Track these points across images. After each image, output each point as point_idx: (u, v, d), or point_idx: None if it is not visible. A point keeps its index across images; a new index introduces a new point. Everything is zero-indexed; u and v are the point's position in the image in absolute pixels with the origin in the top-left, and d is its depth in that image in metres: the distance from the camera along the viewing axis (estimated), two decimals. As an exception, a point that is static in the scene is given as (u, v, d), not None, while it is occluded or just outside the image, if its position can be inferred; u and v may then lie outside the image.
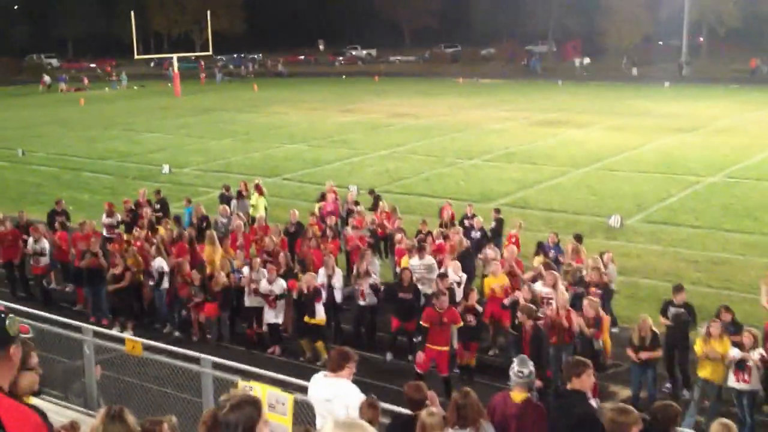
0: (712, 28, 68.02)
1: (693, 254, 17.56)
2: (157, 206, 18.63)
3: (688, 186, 24.05)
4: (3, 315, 3.51)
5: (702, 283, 15.53)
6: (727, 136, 32.87)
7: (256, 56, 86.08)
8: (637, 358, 10.79)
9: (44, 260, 15.90)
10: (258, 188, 19.48)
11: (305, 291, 12.68)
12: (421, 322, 11.86)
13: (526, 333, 10.87)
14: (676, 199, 22.66)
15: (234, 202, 19.05)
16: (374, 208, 18.22)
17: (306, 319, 12.80)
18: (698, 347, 10.43)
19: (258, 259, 13.82)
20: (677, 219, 20.50)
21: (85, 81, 66.60)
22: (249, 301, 13.47)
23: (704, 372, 10.34)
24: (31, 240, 15.93)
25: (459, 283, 13.14)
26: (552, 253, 14.47)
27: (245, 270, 13.63)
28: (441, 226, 16.22)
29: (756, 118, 38.62)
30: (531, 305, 11.22)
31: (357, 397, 6.45)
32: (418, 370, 11.40)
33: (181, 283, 13.87)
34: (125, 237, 16.03)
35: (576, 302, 12.25)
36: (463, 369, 12.17)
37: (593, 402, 10.61)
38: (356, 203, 18.20)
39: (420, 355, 11.63)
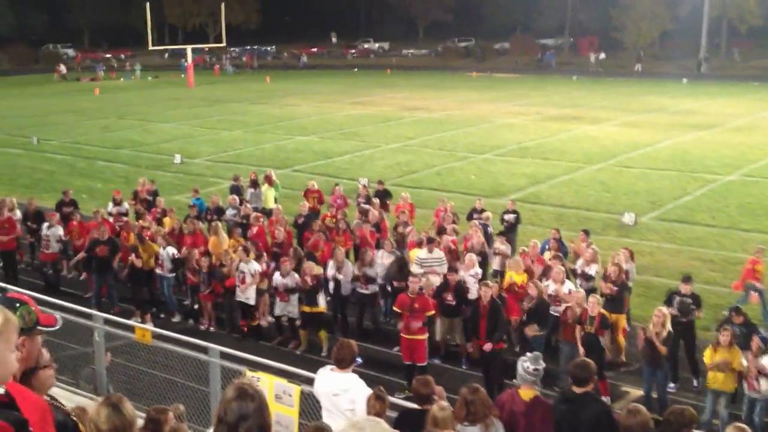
0: (733, 25, 67.23)
1: (708, 253, 17.34)
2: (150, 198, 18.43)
3: (705, 184, 23.77)
4: (18, 305, 3.38)
5: (717, 283, 15.32)
6: (745, 134, 32.49)
7: (269, 48, 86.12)
8: (643, 337, 10.53)
9: (56, 247, 15.85)
10: (267, 179, 19.40)
11: (308, 281, 12.59)
12: (393, 308, 11.75)
13: (486, 305, 10.85)
14: (692, 197, 22.40)
15: (250, 191, 18.98)
16: (383, 201, 17.87)
17: (305, 308, 12.74)
18: (707, 357, 10.17)
19: (241, 250, 13.57)
20: (693, 217, 20.25)
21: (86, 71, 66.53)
22: (238, 294, 13.22)
23: (715, 384, 10.06)
24: (45, 225, 15.88)
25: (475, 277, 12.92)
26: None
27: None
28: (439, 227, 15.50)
29: (774, 116, 38.20)
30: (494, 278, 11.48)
31: (364, 391, 6.37)
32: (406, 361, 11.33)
33: (190, 270, 13.85)
34: (138, 226, 15.91)
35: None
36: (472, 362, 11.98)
37: (604, 399, 10.53)
38: (367, 197, 18.07)
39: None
